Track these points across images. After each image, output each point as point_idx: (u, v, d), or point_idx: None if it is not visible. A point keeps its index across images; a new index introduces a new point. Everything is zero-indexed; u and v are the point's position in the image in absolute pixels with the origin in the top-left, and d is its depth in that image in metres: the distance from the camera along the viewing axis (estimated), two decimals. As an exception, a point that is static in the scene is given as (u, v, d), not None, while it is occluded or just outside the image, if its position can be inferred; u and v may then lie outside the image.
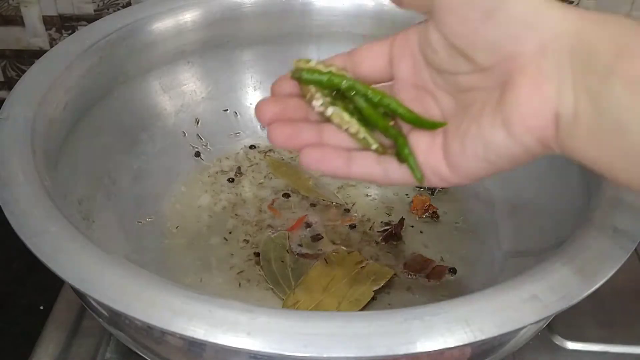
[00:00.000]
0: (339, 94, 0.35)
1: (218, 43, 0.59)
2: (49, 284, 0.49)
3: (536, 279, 0.34)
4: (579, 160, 0.29)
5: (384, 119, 0.34)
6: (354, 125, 0.34)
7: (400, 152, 0.34)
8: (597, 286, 0.34)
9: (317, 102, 0.35)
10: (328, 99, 0.35)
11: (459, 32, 0.30)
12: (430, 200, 0.55)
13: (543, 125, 0.29)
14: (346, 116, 0.34)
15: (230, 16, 0.58)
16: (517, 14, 0.29)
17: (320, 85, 0.35)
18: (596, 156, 0.28)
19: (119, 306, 0.31)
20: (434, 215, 0.54)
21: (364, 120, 0.35)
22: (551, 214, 0.47)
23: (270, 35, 0.60)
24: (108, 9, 0.70)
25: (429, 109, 0.34)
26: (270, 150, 0.60)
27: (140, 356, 0.39)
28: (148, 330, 0.35)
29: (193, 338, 0.30)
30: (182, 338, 0.31)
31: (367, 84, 0.35)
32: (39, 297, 0.53)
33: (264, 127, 0.36)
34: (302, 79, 0.35)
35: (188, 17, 0.56)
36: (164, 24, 0.56)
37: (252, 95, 0.61)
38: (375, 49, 0.35)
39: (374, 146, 0.34)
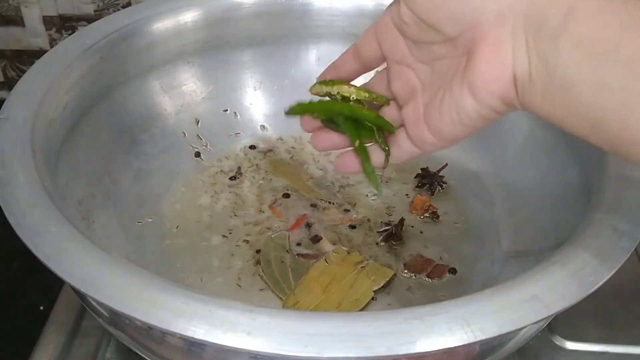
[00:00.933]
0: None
1: (218, 43, 0.59)
2: (49, 284, 0.49)
3: (536, 279, 0.34)
4: (537, 116, 0.31)
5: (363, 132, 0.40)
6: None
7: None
8: (597, 286, 0.34)
9: None
10: None
11: (425, 7, 0.33)
12: (430, 200, 0.55)
13: (504, 87, 0.31)
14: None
15: (230, 16, 0.58)
16: None
17: (312, 114, 0.41)
18: (550, 112, 0.31)
19: (119, 306, 0.31)
20: (434, 215, 0.54)
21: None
22: (551, 214, 0.47)
23: (270, 35, 0.60)
24: (108, 9, 0.70)
25: (410, 82, 0.37)
26: (270, 150, 0.60)
27: (140, 356, 0.39)
28: (148, 330, 0.35)
29: (193, 338, 0.30)
30: (182, 338, 0.31)
31: (372, 68, 0.40)
32: (39, 297, 0.53)
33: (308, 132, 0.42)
34: (294, 113, 0.41)
35: (188, 17, 0.56)
36: (164, 24, 0.56)
37: (252, 95, 0.61)
38: (367, 35, 0.39)
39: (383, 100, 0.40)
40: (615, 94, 0.28)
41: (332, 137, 0.41)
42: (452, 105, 0.34)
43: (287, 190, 0.56)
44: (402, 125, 0.38)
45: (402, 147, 0.39)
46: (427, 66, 0.36)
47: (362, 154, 0.40)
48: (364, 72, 0.41)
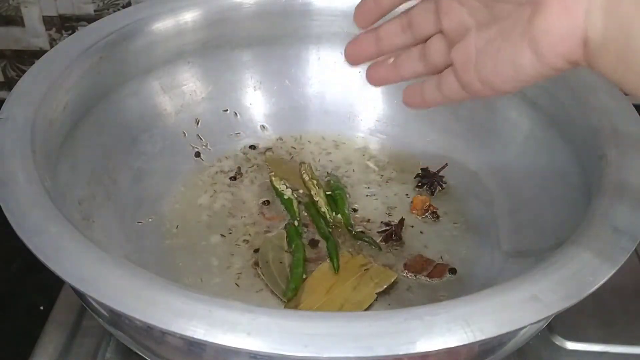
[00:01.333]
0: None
1: (218, 43, 0.59)
2: (49, 284, 0.49)
3: (536, 279, 0.34)
4: (607, 78, 0.29)
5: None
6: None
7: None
8: (597, 286, 0.34)
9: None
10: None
11: None
12: (430, 200, 0.55)
13: (571, 48, 0.29)
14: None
15: (230, 16, 0.58)
16: None
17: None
18: (623, 78, 0.28)
19: (119, 306, 0.31)
20: (434, 215, 0.54)
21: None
22: (551, 214, 0.47)
23: (270, 35, 0.60)
24: (108, 9, 0.70)
25: (463, 19, 0.34)
26: (269, 149, 0.60)
27: (140, 356, 0.39)
28: (148, 330, 0.35)
29: (193, 338, 0.30)
30: (182, 338, 0.31)
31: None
32: (39, 297, 0.53)
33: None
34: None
35: (188, 17, 0.56)
36: (164, 24, 0.56)
37: (252, 95, 0.61)
38: None
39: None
40: None
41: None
42: (509, 59, 0.31)
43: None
44: (451, 64, 0.35)
45: (451, 89, 0.36)
46: (484, 6, 0.33)
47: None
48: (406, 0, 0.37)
